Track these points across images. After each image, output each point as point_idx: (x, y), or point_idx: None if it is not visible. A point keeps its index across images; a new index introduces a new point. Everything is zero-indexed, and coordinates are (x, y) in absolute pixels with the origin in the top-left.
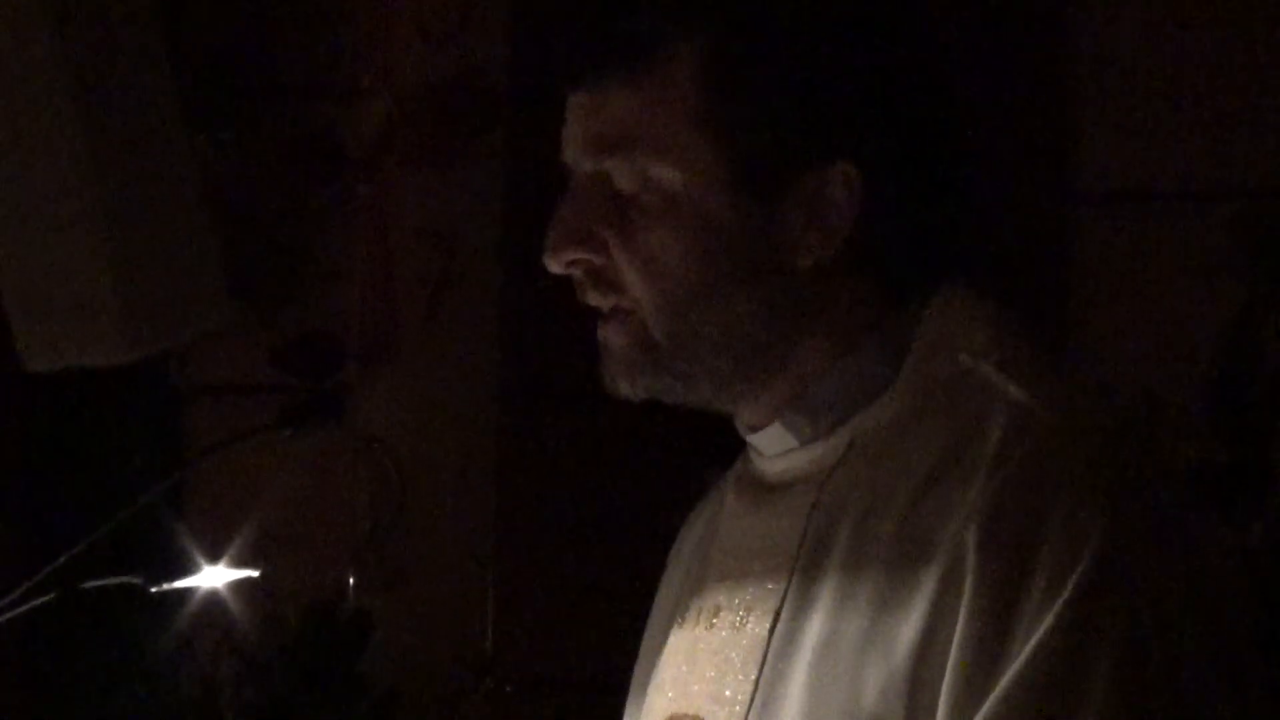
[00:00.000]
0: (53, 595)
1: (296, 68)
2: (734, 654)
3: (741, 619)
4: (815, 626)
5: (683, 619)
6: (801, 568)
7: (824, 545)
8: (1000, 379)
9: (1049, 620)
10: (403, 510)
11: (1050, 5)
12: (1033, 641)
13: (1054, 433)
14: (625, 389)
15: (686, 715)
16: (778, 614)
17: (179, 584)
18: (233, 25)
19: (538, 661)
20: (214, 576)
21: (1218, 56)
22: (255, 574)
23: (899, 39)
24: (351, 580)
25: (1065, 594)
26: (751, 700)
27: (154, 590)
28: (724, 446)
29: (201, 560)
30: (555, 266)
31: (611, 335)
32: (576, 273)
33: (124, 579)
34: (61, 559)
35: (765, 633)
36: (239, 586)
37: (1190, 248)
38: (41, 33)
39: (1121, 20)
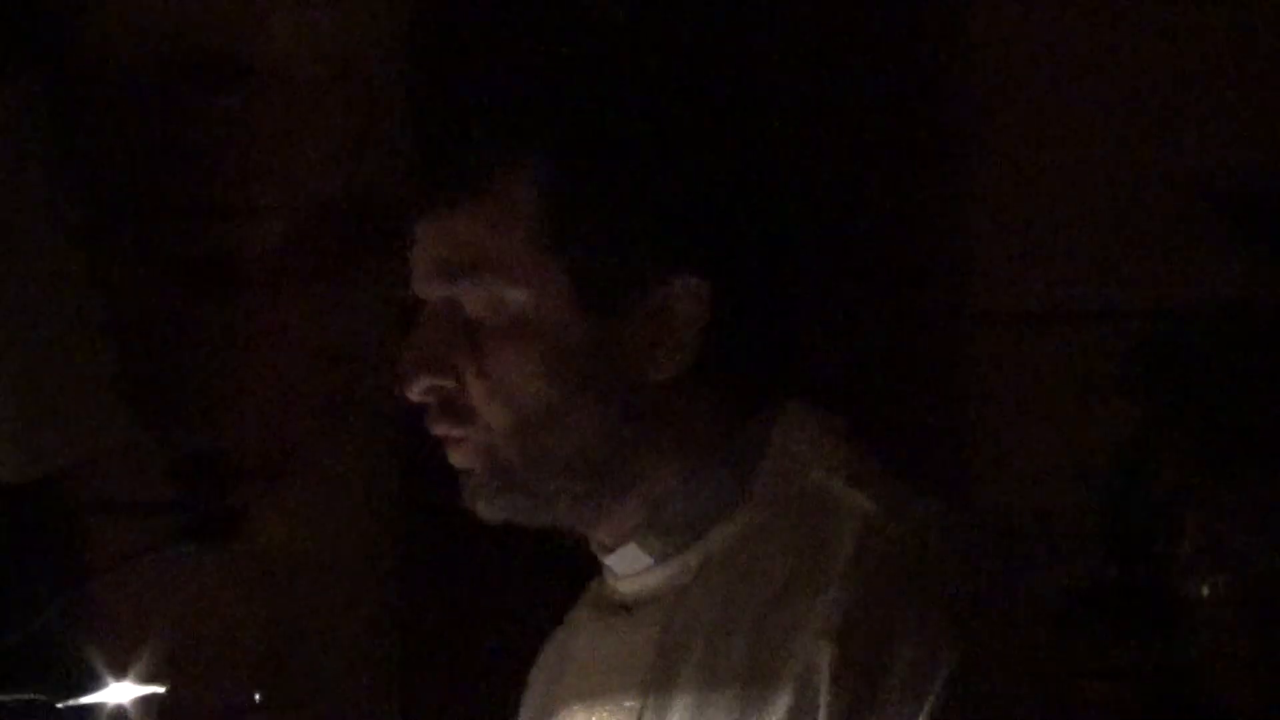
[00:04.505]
0: None
1: (193, 185)
2: None
3: None
4: None
5: None
6: (656, 685)
7: (678, 661)
8: (851, 494)
9: None
10: (303, 628)
11: (949, 126)
12: None
13: (904, 547)
14: (483, 510)
15: None
16: None
17: (85, 699)
18: (128, 142)
19: None
20: (120, 693)
21: (1114, 177)
22: (161, 690)
23: (742, 152)
24: (256, 697)
25: (923, 712)
26: None
27: (60, 706)
28: None
29: (108, 676)
30: (411, 395)
31: (464, 459)
32: (430, 400)
33: (28, 695)
34: None
35: None
36: (145, 703)
37: (1086, 368)
38: None
39: (1018, 140)
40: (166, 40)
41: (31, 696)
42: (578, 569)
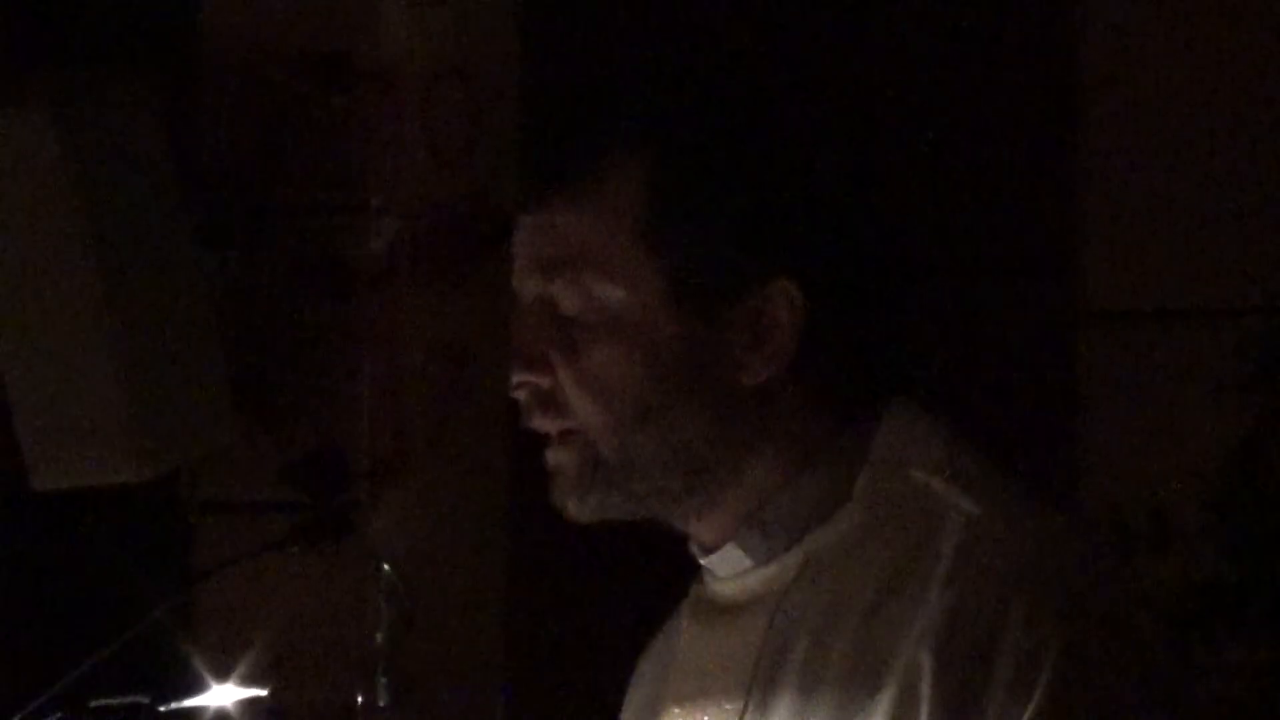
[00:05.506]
0: (61, 714)
1: (305, 185)
2: None
3: None
4: None
5: None
6: (758, 687)
7: (780, 664)
8: (953, 495)
9: None
10: (411, 628)
11: (1060, 123)
12: None
13: (1007, 548)
14: (573, 509)
15: None
16: None
17: (188, 703)
18: (242, 144)
19: None
20: (223, 695)
21: (1226, 173)
22: (264, 693)
23: (840, 160)
24: (360, 699)
25: (1027, 714)
26: None
27: (163, 709)
28: None
29: (210, 679)
30: (508, 391)
31: (560, 457)
32: (523, 395)
33: (132, 698)
34: (69, 677)
35: None
36: (248, 705)
37: (1198, 365)
38: (50, 155)
39: (1127, 137)
40: (281, 41)
41: (137, 699)
42: (680, 572)
